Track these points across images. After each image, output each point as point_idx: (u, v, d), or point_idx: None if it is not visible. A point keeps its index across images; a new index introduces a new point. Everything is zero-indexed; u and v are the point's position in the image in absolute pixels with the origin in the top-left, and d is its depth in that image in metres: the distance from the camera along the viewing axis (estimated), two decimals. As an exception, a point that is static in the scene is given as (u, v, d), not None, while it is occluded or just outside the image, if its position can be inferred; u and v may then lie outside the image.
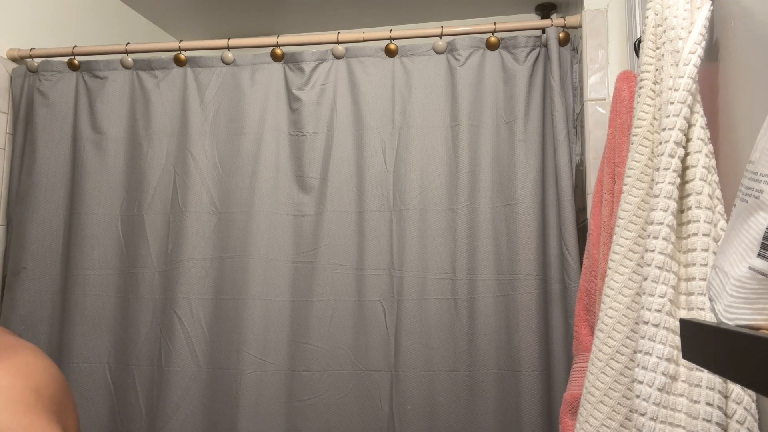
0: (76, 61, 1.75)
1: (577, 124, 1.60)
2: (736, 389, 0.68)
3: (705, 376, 0.69)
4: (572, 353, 1.20)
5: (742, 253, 0.42)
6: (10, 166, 1.76)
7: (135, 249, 1.65)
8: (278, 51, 1.68)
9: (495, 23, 1.59)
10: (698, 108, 0.77)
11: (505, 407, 1.46)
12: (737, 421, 0.67)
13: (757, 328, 0.41)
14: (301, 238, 1.61)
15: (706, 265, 0.72)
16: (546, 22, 1.60)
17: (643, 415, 0.70)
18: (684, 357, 0.47)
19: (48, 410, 0.64)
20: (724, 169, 0.79)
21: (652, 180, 0.82)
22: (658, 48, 0.85)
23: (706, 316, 0.70)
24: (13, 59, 1.80)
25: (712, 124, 0.81)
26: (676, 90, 0.77)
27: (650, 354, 0.71)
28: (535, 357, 1.45)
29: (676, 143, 0.76)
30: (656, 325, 0.72)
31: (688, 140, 0.76)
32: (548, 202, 1.52)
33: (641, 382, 0.71)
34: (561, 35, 1.56)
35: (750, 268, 0.41)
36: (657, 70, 0.85)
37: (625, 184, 0.87)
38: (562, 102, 1.53)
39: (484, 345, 1.48)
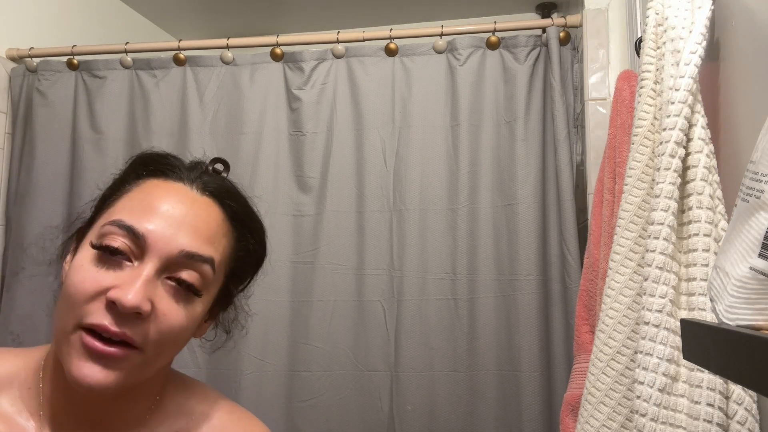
0: (75, 61, 1.74)
1: (577, 123, 1.60)
2: (737, 390, 0.68)
3: (706, 376, 0.69)
4: (573, 354, 1.19)
5: (743, 253, 0.42)
6: (9, 166, 1.76)
7: (134, 249, 1.65)
8: (278, 50, 1.67)
9: (495, 23, 1.59)
10: (699, 108, 0.77)
11: (506, 408, 1.46)
12: (738, 422, 0.67)
13: (759, 329, 0.41)
14: (300, 238, 1.60)
15: (707, 265, 0.71)
16: (546, 22, 1.60)
17: (643, 415, 0.70)
18: (685, 357, 0.47)
19: None
20: (725, 169, 0.78)
21: (653, 180, 0.82)
22: (658, 48, 0.85)
23: (707, 317, 0.69)
24: (12, 59, 1.79)
25: (713, 124, 0.81)
26: (676, 90, 0.77)
27: (651, 354, 0.71)
28: (536, 357, 1.45)
29: (677, 143, 0.75)
30: (657, 326, 0.71)
31: (688, 140, 0.76)
32: (549, 202, 1.52)
33: (642, 383, 0.71)
34: (561, 35, 1.55)
35: (751, 269, 0.41)
36: (658, 69, 0.85)
37: (626, 184, 0.87)
38: (563, 102, 1.52)
39: (484, 345, 1.48)
